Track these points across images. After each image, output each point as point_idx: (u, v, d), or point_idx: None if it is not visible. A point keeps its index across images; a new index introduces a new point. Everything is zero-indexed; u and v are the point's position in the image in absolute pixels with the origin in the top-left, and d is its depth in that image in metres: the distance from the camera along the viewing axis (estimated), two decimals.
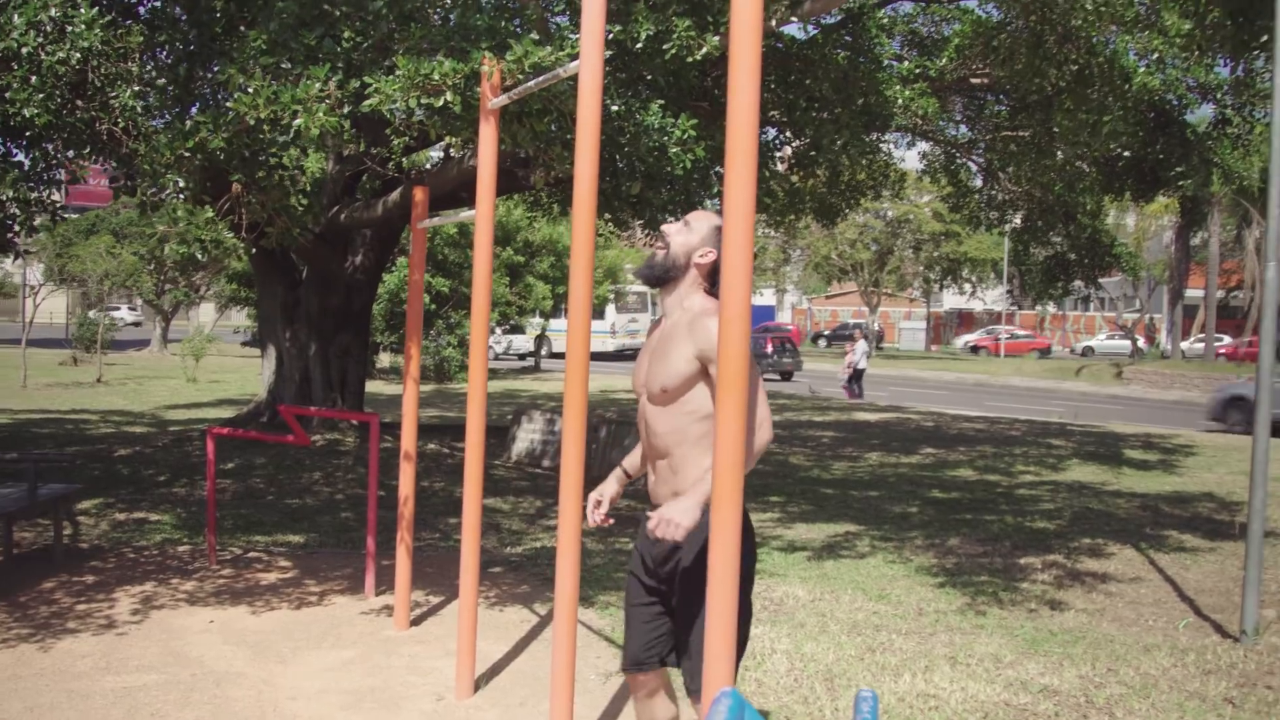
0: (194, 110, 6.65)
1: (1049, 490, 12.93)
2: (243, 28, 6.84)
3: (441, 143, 14.28)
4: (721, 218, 3.69)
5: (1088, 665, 6.18)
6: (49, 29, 6.54)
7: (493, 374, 34.65)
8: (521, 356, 43.71)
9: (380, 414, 8.74)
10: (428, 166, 15.10)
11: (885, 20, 13.32)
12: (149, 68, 7.03)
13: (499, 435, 15.71)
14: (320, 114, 5.51)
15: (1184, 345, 55.45)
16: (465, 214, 6.29)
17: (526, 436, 14.51)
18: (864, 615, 7.13)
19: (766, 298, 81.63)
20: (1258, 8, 7.91)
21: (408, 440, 6.71)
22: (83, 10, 6.54)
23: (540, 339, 39.58)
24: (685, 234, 3.80)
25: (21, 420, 17.44)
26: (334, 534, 9.39)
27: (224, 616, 6.86)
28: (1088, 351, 62.87)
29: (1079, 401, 31.02)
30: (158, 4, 7.52)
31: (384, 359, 33.10)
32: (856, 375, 28.63)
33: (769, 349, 37.31)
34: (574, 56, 6.19)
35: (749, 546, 3.59)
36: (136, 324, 65.87)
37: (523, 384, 30.39)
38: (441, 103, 5.61)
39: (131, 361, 35.61)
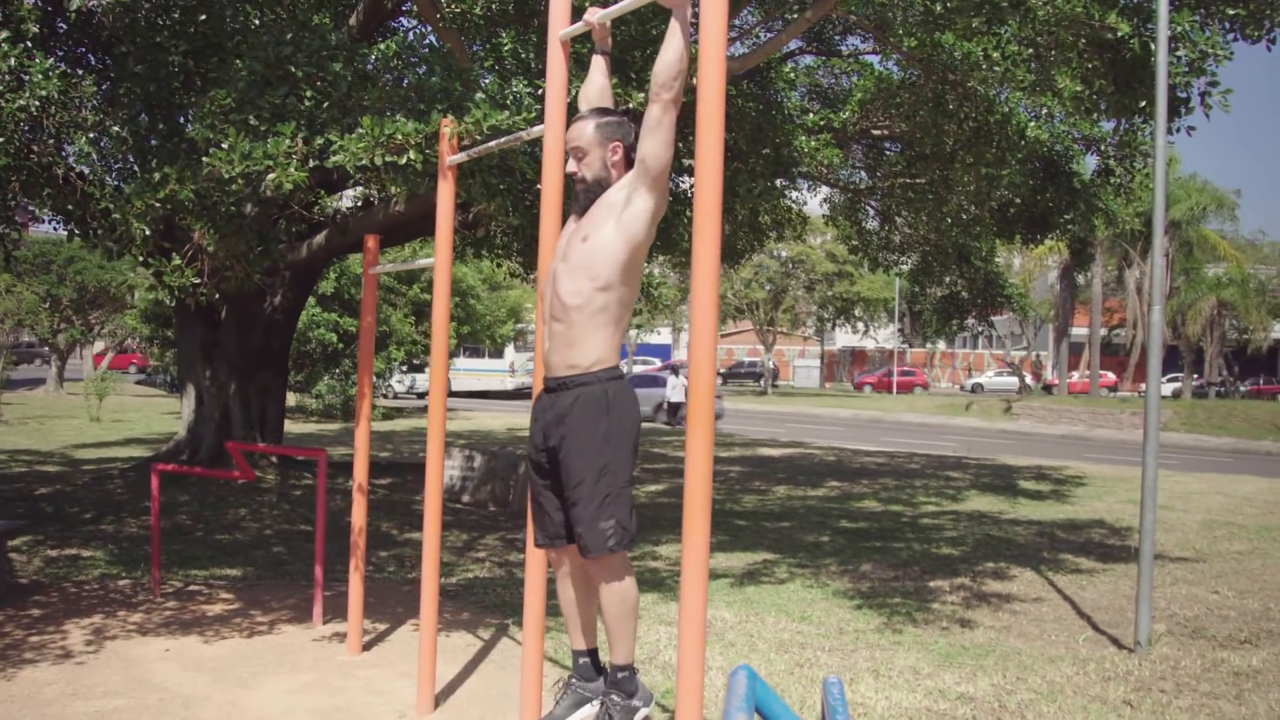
0: (154, 161, 6.93)
1: (951, 519, 13.57)
2: (199, 82, 7.17)
3: (355, 189, 14.65)
4: (585, 114, 4.19)
5: (999, 675, 6.69)
6: (8, 78, 6.81)
7: (398, 412, 34.77)
8: (421, 395, 43.83)
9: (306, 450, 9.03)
10: (345, 210, 15.38)
11: (791, 73, 13.95)
12: (103, 118, 7.31)
13: (416, 472, 16.01)
14: (291, 169, 5.88)
15: (1072, 380, 57.12)
16: (423, 261, 6.66)
17: (446, 473, 14.82)
18: (789, 635, 7.59)
19: (664, 336, 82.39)
20: (1139, 75, 8.64)
21: (360, 474, 7.05)
22: (38, 60, 6.83)
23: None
24: (588, 156, 4.14)
25: None
26: (270, 567, 9.64)
27: (178, 645, 7.10)
28: (977, 388, 64.53)
29: (970, 436, 31.99)
30: (110, 58, 7.80)
31: (290, 398, 33.08)
32: (673, 409, 31.71)
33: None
34: (530, 120, 6.65)
35: (635, 414, 4.04)
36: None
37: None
38: (404, 160, 6.01)
39: (28, 401, 35.07)
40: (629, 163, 4.10)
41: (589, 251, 3.98)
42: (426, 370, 39.58)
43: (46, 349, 63.36)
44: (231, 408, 14.45)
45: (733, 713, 2.13)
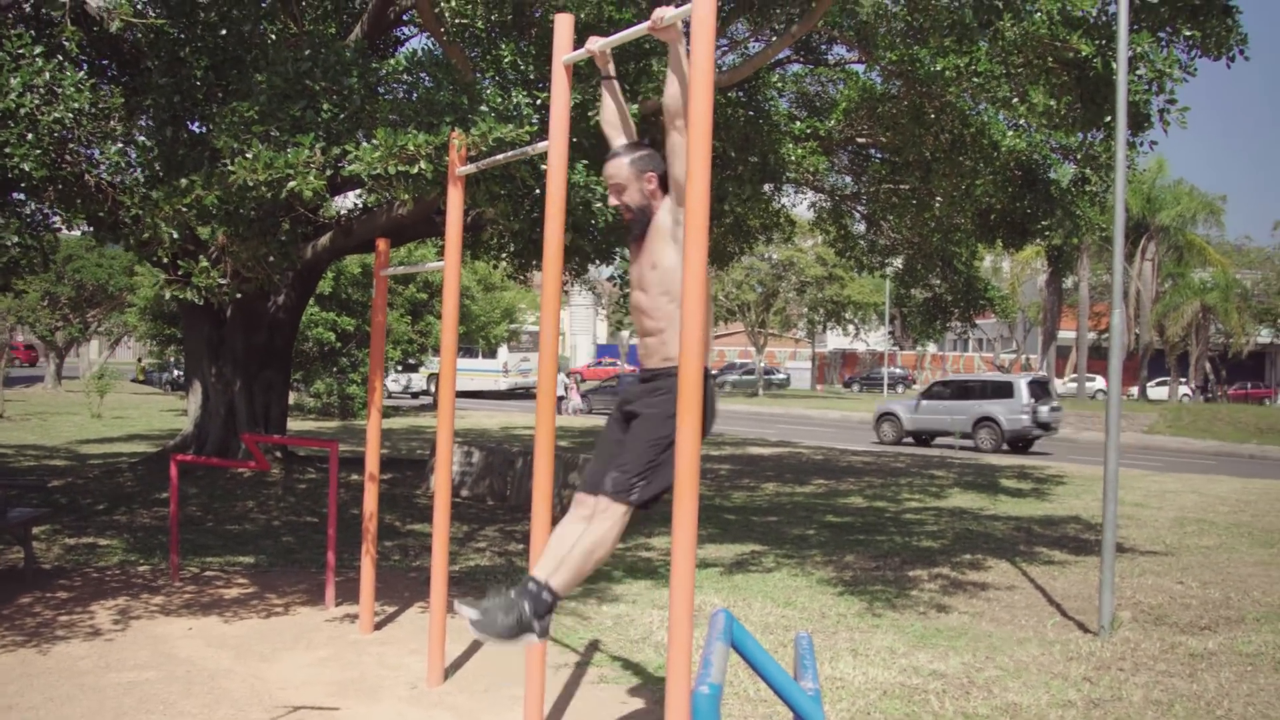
0: (180, 168, 7.38)
1: (933, 515, 14.06)
2: (220, 94, 7.64)
3: (358, 192, 15.08)
4: (618, 150, 4.61)
5: (969, 655, 7.17)
6: (42, 91, 7.26)
7: (395, 410, 35.19)
8: (415, 395, 44.27)
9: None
10: (345, 213, 15.83)
11: (778, 82, 14.42)
12: (130, 129, 7.77)
13: (416, 468, 16.48)
14: (311, 177, 6.35)
15: (1057, 384, 57.58)
16: (433, 265, 7.12)
17: None
18: (774, 618, 8.06)
19: None
20: (1104, 92, 9.15)
21: (371, 463, 7.52)
22: (69, 74, 7.28)
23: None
24: (627, 189, 4.58)
25: None
26: (281, 555, 10.08)
27: (200, 625, 7.56)
28: None
29: (958, 437, 32.44)
30: (134, 71, 8.25)
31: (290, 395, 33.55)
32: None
33: None
34: (533, 132, 7.12)
35: (710, 409, 4.37)
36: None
37: (425, 420, 31.03)
38: (415, 170, 6.47)
39: (27, 398, 35.49)
40: (664, 188, 4.54)
41: (661, 278, 4.43)
42: (420, 369, 40.10)
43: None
44: (237, 404, 14.90)
45: (713, 641, 2.58)
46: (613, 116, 4.81)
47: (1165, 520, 14.18)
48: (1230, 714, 6.05)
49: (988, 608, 8.71)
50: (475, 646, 7.17)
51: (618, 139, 4.74)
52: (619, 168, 4.59)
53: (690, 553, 3.80)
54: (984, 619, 8.32)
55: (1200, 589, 9.62)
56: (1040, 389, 28.66)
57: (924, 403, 29.56)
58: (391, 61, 7.87)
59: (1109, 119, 9.46)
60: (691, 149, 3.87)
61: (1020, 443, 27.96)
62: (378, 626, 7.60)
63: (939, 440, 29.57)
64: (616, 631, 7.57)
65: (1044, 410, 27.99)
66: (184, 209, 6.68)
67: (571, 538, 4.42)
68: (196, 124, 7.98)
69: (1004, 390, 28.45)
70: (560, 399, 36.71)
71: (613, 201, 4.65)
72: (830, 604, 8.63)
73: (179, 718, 5.64)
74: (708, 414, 4.40)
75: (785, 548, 11.21)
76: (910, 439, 29.69)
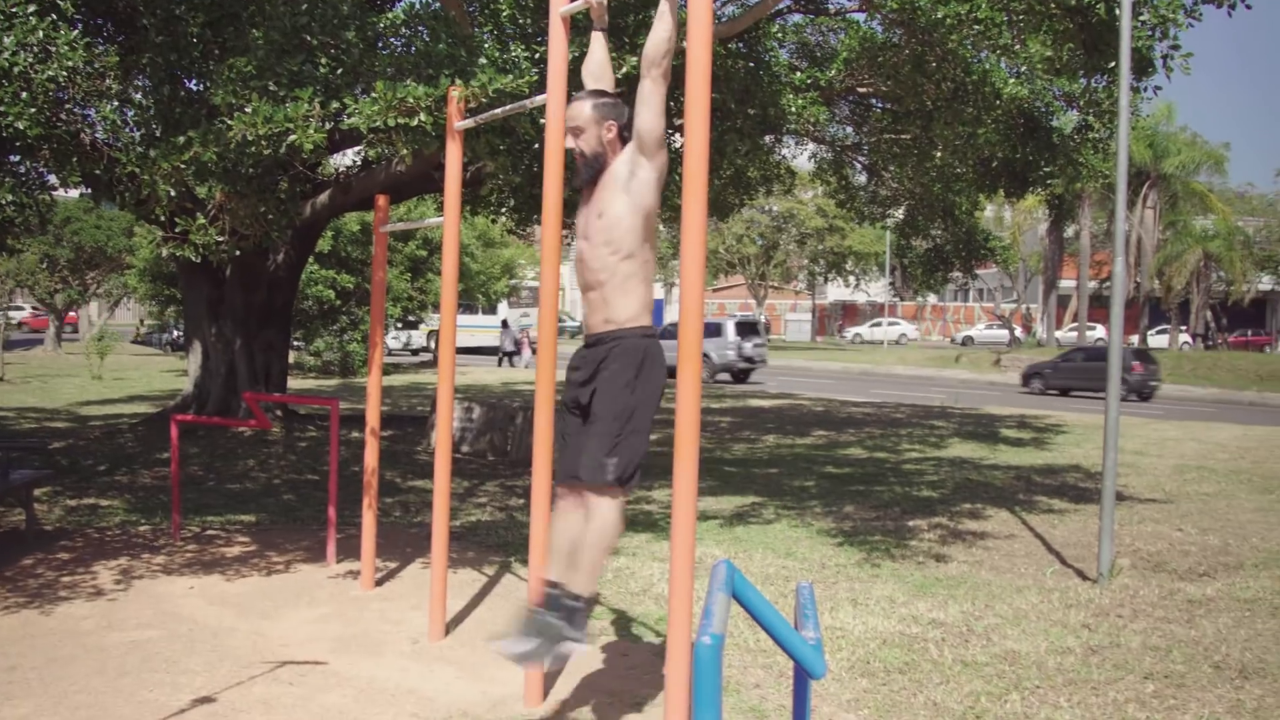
0: (178, 125, 7.34)
1: (932, 465, 14.10)
2: (217, 51, 7.59)
3: (355, 148, 15.01)
4: (582, 95, 4.55)
5: (969, 603, 7.20)
6: (36, 50, 7.21)
7: (395, 368, 35.22)
8: (415, 352, 44.30)
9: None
10: (343, 170, 15.77)
11: (778, 32, 14.31)
12: (125, 87, 7.72)
13: (416, 425, 16.50)
14: (311, 130, 6.32)
15: (1058, 334, 57.65)
16: (432, 220, 7.10)
17: None
18: (775, 569, 8.09)
19: (656, 291, 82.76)
20: (1106, 38, 9.07)
21: (373, 418, 7.52)
22: (63, 32, 7.22)
23: (507, 331, 40.23)
24: (585, 134, 4.50)
25: None
26: (282, 514, 10.11)
27: (201, 584, 7.58)
28: (967, 341, 65.05)
29: (959, 388, 32.53)
30: (129, 30, 8.18)
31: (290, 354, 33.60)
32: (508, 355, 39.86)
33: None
34: (532, 84, 7.08)
35: (663, 371, 4.42)
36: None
37: (425, 377, 31.05)
38: (415, 122, 6.44)
39: (27, 360, 35.51)
40: (623, 140, 4.48)
41: (607, 227, 4.36)
42: (420, 327, 40.11)
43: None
44: (237, 363, 14.90)
45: (714, 591, 2.58)
46: (596, 67, 4.79)
47: (1165, 468, 14.22)
48: (1228, 659, 6.07)
49: (987, 556, 8.74)
50: (476, 601, 7.21)
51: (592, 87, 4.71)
52: (580, 110, 4.52)
53: (691, 505, 3.81)
54: (983, 567, 8.35)
55: (1199, 536, 9.65)
56: (747, 329, 35.08)
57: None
58: (390, 15, 7.82)
59: (1112, 65, 9.40)
60: (690, 103, 3.84)
61: (730, 374, 34.42)
62: (379, 583, 7.63)
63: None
64: (617, 584, 7.59)
65: (748, 346, 34.14)
66: (182, 165, 6.64)
67: (571, 533, 4.39)
68: (194, 82, 7.92)
69: (715, 331, 33.99)
70: (511, 354, 39.38)
71: (568, 144, 4.57)
72: (830, 554, 8.66)
73: (182, 675, 5.66)
74: (659, 369, 4.41)
75: (785, 499, 11.24)
76: None
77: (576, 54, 7.87)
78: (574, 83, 4.97)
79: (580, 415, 4.50)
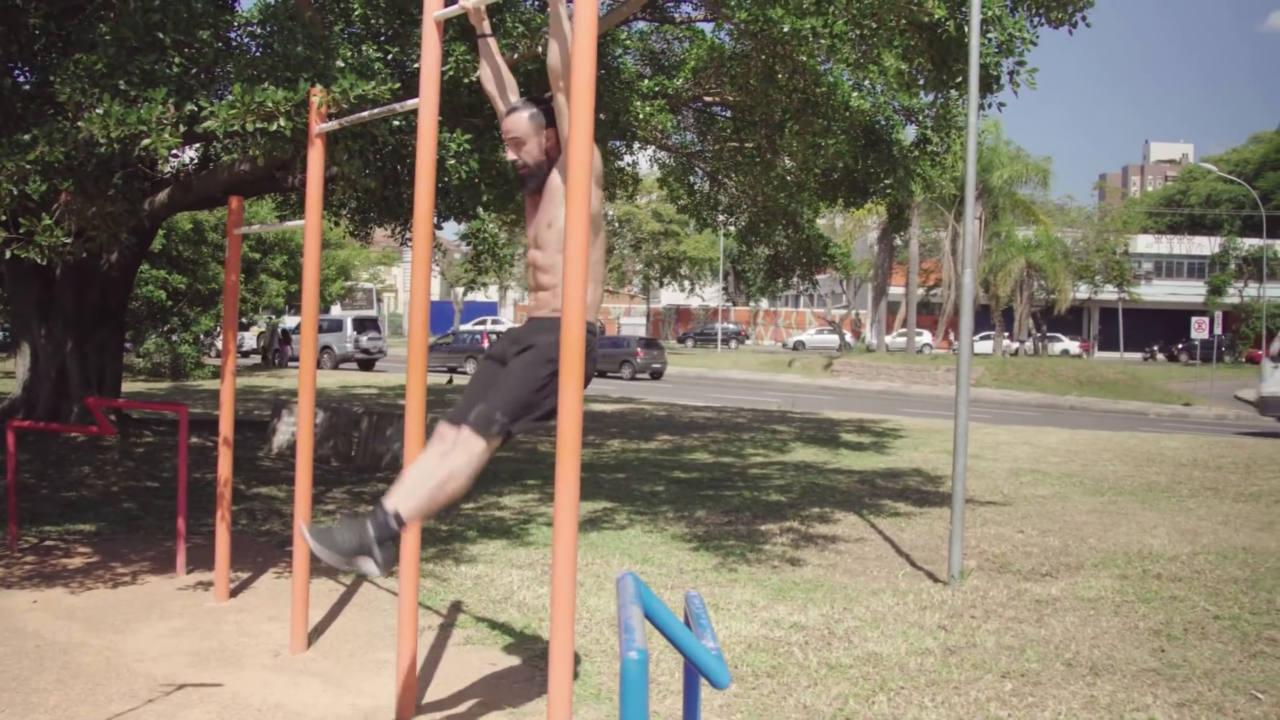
0: (19, 121, 7.06)
1: (778, 469, 14.31)
2: (61, 45, 7.31)
3: (194, 146, 14.61)
4: (517, 105, 4.55)
5: (827, 606, 7.33)
6: None
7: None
8: (246, 354, 43.33)
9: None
10: (183, 168, 15.34)
11: (626, 39, 14.39)
12: None
13: (256, 429, 16.14)
14: (166, 134, 6.13)
15: (888, 339, 59.12)
16: (293, 223, 6.95)
17: (286, 430, 14.97)
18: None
19: (491, 294, 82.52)
20: (955, 54, 9.35)
21: (225, 427, 7.33)
22: None
23: (273, 334, 39.61)
24: (526, 144, 4.52)
25: None
26: (123, 522, 9.77)
27: (45, 597, 7.29)
28: (799, 346, 66.24)
29: (793, 392, 33.13)
30: None
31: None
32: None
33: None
34: (394, 90, 6.98)
35: (589, 369, 4.36)
36: None
37: (260, 380, 30.39)
38: (274, 127, 6.29)
39: None
40: (560, 146, 4.47)
41: (558, 236, 4.34)
42: (251, 329, 39.32)
43: None
44: (68, 366, 14.38)
45: (627, 605, 2.58)
46: (493, 76, 4.76)
47: (1001, 471, 14.68)
48: (1078, 657, 6.30)
49: (840, 560, 8.91)
50: (337, 611, 7.08)
51: (510, 96, 4.69)
52: (518, 122, 4.52)
53: (573, 512, 3.79)
54: (837, 571, 8.51)
55: (1040, 537, 9.99)
56: (364, 325, 41.88)
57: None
58: (244, 14, 7.63)
59: (959, 80, 9.70)
60: (575, 109, 3.83)
61: (348, 363, 40.93)
62: (233, 594, 7.44)
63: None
64: (477, 592, 7.54)
65: (364, 339, 41.02)
66: (27, 165, 6.38)
67: (427, 464, 4.34)
68: (34, 75, 7.62)
69: (336, 326, 40.60)
70: (276, 351, 40.78)
71: (510, 156, 4.58)
72: (686, 560, 8.73)
73: (34, 695, 5.43)
74: (589, 365, 4.41)
75: (636, 504, 11.29)
76: None
77: (450, 71, 7.83)
78: (447, 89, 4.93)
79: (499, 364, 4.53)
